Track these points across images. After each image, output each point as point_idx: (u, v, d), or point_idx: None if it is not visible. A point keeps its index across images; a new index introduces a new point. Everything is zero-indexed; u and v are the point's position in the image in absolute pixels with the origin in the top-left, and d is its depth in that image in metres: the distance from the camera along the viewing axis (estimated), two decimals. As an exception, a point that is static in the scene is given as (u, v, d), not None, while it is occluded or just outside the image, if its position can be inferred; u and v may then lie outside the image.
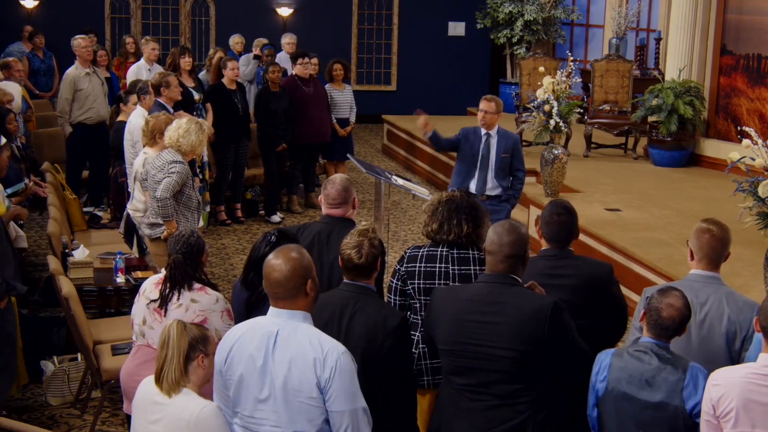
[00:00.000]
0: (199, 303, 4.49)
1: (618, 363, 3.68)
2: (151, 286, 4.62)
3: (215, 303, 4.53)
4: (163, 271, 4.62)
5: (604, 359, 3.73)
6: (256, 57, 11.91)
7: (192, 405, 3.60)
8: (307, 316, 3.42)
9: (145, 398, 3.70)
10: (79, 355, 6.11)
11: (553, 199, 4.58)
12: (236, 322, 4.43)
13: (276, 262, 3.38)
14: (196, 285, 4.53)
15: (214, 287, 4.65)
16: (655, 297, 3.67)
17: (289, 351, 3.33)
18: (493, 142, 7.41)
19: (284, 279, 3.35)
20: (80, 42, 10.04)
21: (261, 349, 3.37)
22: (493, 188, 7.41)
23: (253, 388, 3.38)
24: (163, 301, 4.50)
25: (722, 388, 3.41)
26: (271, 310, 3.43)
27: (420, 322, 4.40)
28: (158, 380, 3.64)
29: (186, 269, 4.51)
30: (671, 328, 3.64)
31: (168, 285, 4.51)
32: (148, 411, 3.67)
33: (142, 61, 10.58)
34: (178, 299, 4.49)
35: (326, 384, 3.29)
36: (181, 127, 6.35)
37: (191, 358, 3.65)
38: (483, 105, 7.43)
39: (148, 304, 4.56)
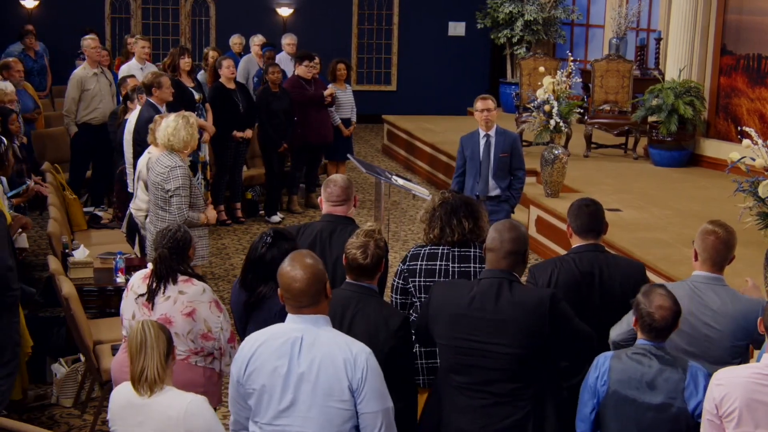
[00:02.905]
0: (186, 294, 4.54)
1: (618, 366, 3.67)
2: (139, 281, 4.67)
3: (202, 293, 4.57)
4: (150, 266, 4.67)
5: (603, 363, 3.71)
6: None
7: (178, 401, 3.61)
8: (327, 319, 3.40)
9: (124, 403, 3.68)
10: (81, 355, 6.11)
11: (577, 198, 4.60)
12: (236, 324, 4.46)
13: (294, 272, 3.33)
14: (182, 277, 4.57)
15: (200, 278, 4.69)
16: (643, 302, 3.66)
17: (317, 356, 3.29)
18: (492, 142, 7.38)
19: (307, 287, 3.32)
20: (89, 42, 10.16)
21: (284, 357, 3.32)
22: (492, 189, 7.38)
23: (277, 396, 3.33)
24: (151, 295, 4.54)
25: (725, 387, 3.40)
26: (291, 317, 3.38)
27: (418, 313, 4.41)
28: (137, 382, 3.61)
29: (171, 263, 4.55)
30: (666, 328, 3.65)
31: (154, 279, 4.55)
32: (129, 415, 3.66)
33: (134, 60, 10.59)
34: (164, 292, 4.53)
35: (359, 385, 3.27)
36: (169, 126, 6.25)
37: (170, 356, 3.67)
38: (482, 104, 7.35)
39: (136, 298, 4.59)
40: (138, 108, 8.08)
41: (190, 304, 4.52)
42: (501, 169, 7.37)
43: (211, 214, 6.46)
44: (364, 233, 3.94)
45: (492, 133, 7.39)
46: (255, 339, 3.43)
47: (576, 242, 4.40)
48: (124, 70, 10.35)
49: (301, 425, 3.31)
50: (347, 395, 3.27)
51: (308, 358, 3.29)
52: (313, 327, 3.34)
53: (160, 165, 6.28)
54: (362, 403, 3.28)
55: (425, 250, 4.52)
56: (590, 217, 4.36)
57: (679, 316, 3.66)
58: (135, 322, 4.56)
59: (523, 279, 4.15)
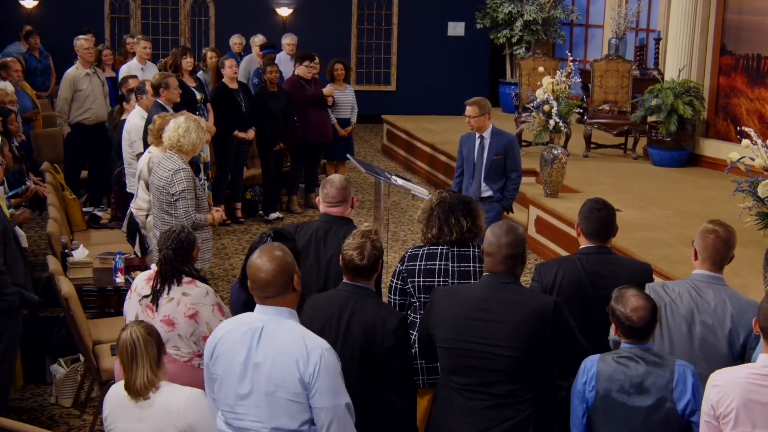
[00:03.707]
0: (190, 296, 4.53)
1: (605, 370, 3.66)
2: (142, 282, 4.67)
3: (205, 296, 4.56)
4: (154, 267, 4.65)
5: (590, 368, 3.71)
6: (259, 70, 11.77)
7: (177, 395, 3.64)
8: (292, 312, 3.44)
9: (122, 401, 3.70)
10: (80, 355, 6.11)
11: (589, 198, 4.56)
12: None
13: (261, 263, 3.38)
14: (186, 279, 4.57)
15: (204, 280, 4.68)
16: (618, 309, 3.66)
17: (272, 347, 3.35)
18: (486, 144, 7.36)
19: (272, 278, 3.37)
20: (82, 43, 10.05)
21: (244, 344, 3.38)
22: (484, 191, 7.31)
23: (235, 384, 3.40)
24: (155, 297, 4.54)
25: (722, 388, 3.41)
26: (257, 307, 3.45)
27: (418, 321, 4.41)
28: (131, 391, 3.64)
29: (176, 264, 4.55)
30: (647, 327, 3.65)
31: (159, 280, 4.54)
32: (128, 413, 3.68)
33: (134, 60, 10.56)
34: (169, 294, 4.53)
35: (310, 380, 3.30)
36: (180, 127, 6.17)
37: (161, 357, 3.70)
38: (466, 110, 7.35)
39: (140, 300, 4.59)
40: (136, 108, 8.09)
41: (192, 306, 4.52)
42: (494, 172, 7.33)
43: (217, 214, 6.47)
44: (361, 234, 3.95)
45: (486, 134, 7.36)
46: (224, 326, 3.53)
47: (583, 243, 4.39)
48: (124, 71, 10.34)
49: (256, 414, 3.37)
50: (299, 388, 3.31)
51: (264, 349, 3.35)
52: (275, 318, 3.39)
53: (162, 168, 6.19)
54: (314, 397, 3.32)
55: (423, 251, 4.52)
56: (600, 221, 4.34)
57: (656, 311, 3.68)
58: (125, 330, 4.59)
59: (527, 277, 4.15)
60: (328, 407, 3.32)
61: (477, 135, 7.38)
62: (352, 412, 3.40)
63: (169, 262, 4.54)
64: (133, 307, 4.65)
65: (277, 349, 3.34)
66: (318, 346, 3.34)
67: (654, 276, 7.02)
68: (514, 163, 7.39)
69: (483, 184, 7.34)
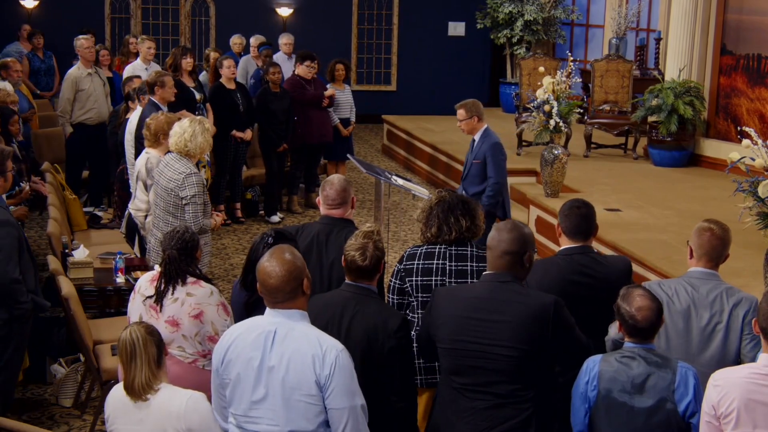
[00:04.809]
0: (194, 296, 4.53)
1: (607, 370, 3.67)
2: (146, 283, 4.66)
3: (210, 296, 4.55)
4: (157, 268, 4.65)
5: (592, 368, 3.71)
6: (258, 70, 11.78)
7: (178, 397, 3.64)
8: (304, 314, 3.43)
9: (123, 402, 3.70)
10: (80, 355, 6.11)
11: (569, 199, 4.58)
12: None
13: (271, 268, 3.37)
14: (190, 279, 4.57)
15: (209, 281, 4.68)
16: (623, 307, 3.66)
17: (287, 350, 3.34)
18: (473, 147, 7.36)
19: (282, 284, 3.36)
20: (83, 42, 10.06)
21: (258, 348, 3.37)
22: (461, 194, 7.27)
23: (250, 388, 3.39)
24: (159, 297, 4.54)
25: (723, 388, 3.40)
26: (268, 310, 3.44)
27: (416, 320, 4.42)
28: (130, 391, 3.64)
29: (180, 265, 4.54)
30: (651, 327, 3.66)
31: (163, 281, 4.55)
32: (128, 414, 3.68)
33: (139, 60, 10.56)
34: (173, 294, 4.53)
35: (326, 381, 3.30)
36: (186, 131, 6.06)
37: (161, 358, 3.69)
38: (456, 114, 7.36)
39: (144, 300, 4.59)
40: (137, 108, 8.08)
41: (197, 306, 4.51)
42: (473, 175, 7.28)
43: (219, 219, 6.49)
44: (363, 234, 3.94)
45: (477, 137, 7.34)
46: (234, 330, 3.51)
47: (565, 243, 4.41)
48: (128, 70, 10.33)
49: (272, 418, 3.37)
50: (315, 390, 3.31)
51: (279, 352, 3.35)
52: (287, 321, 3.38)
53: (171, 170, 6.11)
54: (329, 398, 3.32)
55: (422, 250, 4.54)
56: (580, 219, 4.36)
57: (661, 312, 3.68)
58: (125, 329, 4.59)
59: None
60: (344, 408, 3.32)
61: (472, 138, 7.41)
62: (366, 412, 3.40)
63: (173, 263, 4.53)
64: (136, 308, 4.64)
65: (291, 352, 3.33)
66: (333, 347, 3.34)
67: (654, 276, 7.06)
68: (492, 170, 7.17)
69: (461, 187, 7.36)
